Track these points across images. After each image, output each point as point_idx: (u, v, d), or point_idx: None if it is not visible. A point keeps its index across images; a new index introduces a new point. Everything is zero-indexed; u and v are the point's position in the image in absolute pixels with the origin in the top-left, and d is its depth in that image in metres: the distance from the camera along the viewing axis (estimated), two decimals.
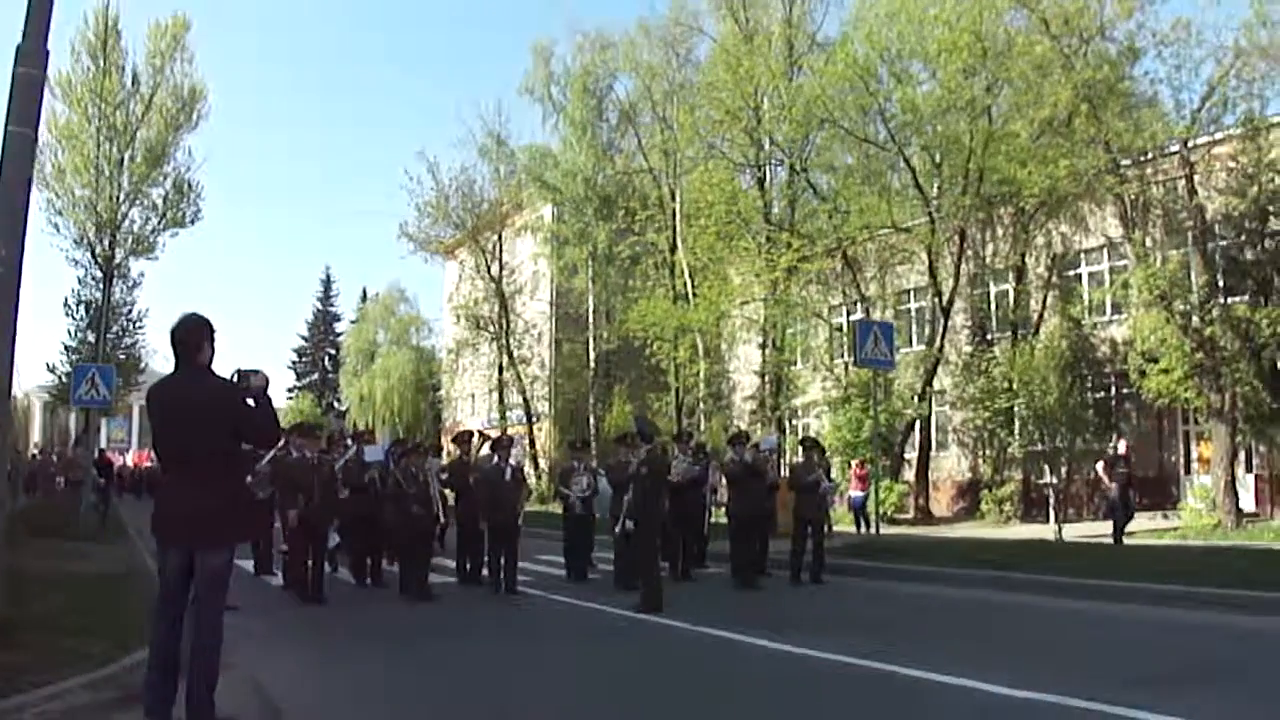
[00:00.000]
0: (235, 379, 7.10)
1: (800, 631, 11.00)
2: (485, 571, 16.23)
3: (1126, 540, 21.73)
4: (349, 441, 18.39)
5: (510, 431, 54.60)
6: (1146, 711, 6.90)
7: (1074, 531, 26.05)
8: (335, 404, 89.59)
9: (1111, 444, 27.19)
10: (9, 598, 10.29)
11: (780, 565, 17.57)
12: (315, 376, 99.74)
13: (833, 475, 26.58)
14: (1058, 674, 8.35)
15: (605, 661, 10.23)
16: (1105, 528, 27.26)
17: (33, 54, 9.67)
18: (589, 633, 12.18)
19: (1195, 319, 27.13)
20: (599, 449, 38.97)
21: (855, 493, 29.15)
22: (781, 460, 18.71)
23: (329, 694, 8.62)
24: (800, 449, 19.54)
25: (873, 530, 24.23)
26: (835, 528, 26.90)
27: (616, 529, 15.65)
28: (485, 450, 17.70)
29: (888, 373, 34.08)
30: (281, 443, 16.60)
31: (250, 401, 7.06)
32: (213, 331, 7.24)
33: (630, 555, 14.74)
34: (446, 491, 16.98)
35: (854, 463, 31.24)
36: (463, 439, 18.99)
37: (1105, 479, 22.83)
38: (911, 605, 14.33)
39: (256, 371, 7.22)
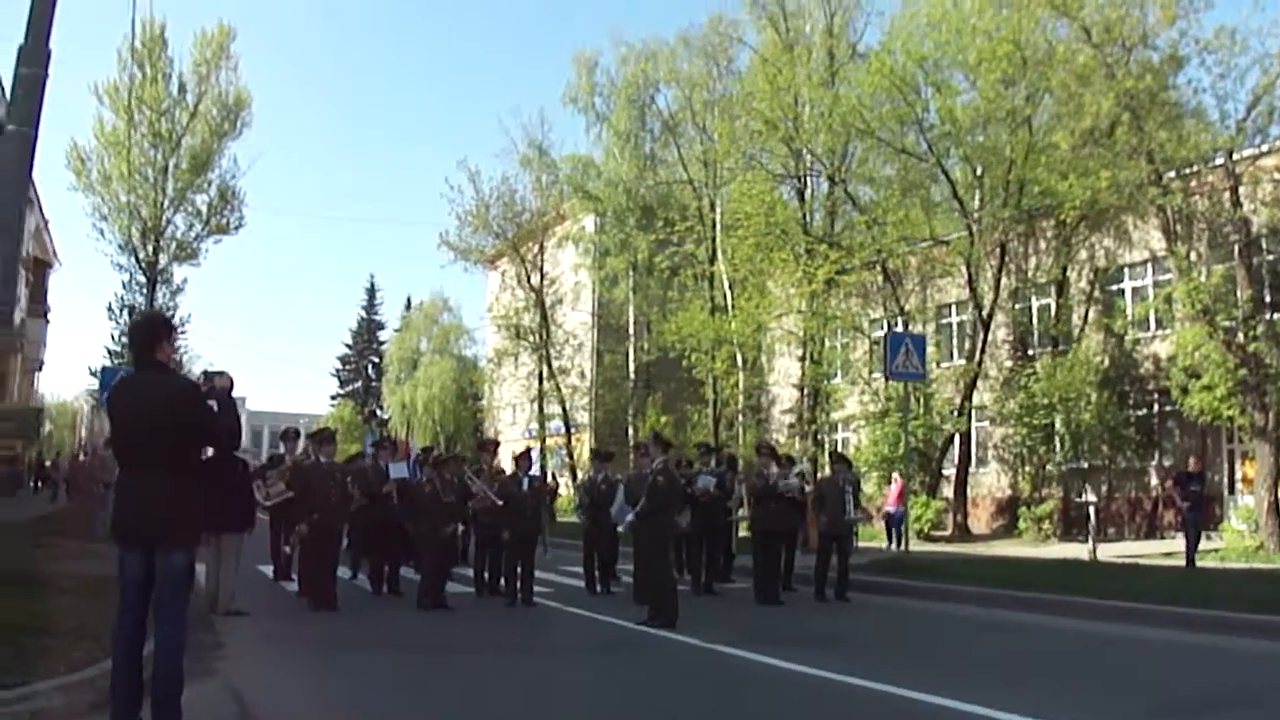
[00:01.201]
0: (201, 380, 7.00)
1: (811, 650, 10.78)
2: (503, 582, 16.02)
3: (1177, 560, 21.33)
4: (368, 450, 18.35)
5: (550, 442, 54.75)
6: None
7: (1113, 551, 25.58)
8: (377, 412, 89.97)
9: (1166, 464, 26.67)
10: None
11: (806, 581, 17.27)
12: (358, 384, 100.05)
13: (862, 489, 26.50)
14: (1078, 702, 8.09)
15: (609, 677, 10.04)
16: (1144, 548, 26.97)
17: (35, 53, 9.63)
18: (598, 647, 11.94)
19: (1239, 335, 26.60)
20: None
21: (891, 508, 28.70)
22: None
23: (314, 705, 8.40)
24: (829, 463, 19.23)
25: (903, 547, 23.84)
26: (864, 544, 26.70)
27: (619, 528, 15.68)
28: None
29: (926, 387, 33.82)
30: (301, 448, 16.65)
31: (213, 404, 6.96)
32: (171, 330, 7.29)
33: (647, 569, 14.50)
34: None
35: (894, 477, 30.87)
36: (487, 447, 18.95)
37: (1177, 498, 22.23)
38: (931, 625, 14.10)
39: (221, 373, 7.26)
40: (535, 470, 18.11)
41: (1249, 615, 12.19)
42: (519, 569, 15.46)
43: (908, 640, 12.69)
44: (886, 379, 28.42)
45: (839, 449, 38.32)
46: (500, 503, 15.58)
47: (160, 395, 6.71)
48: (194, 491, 6.86)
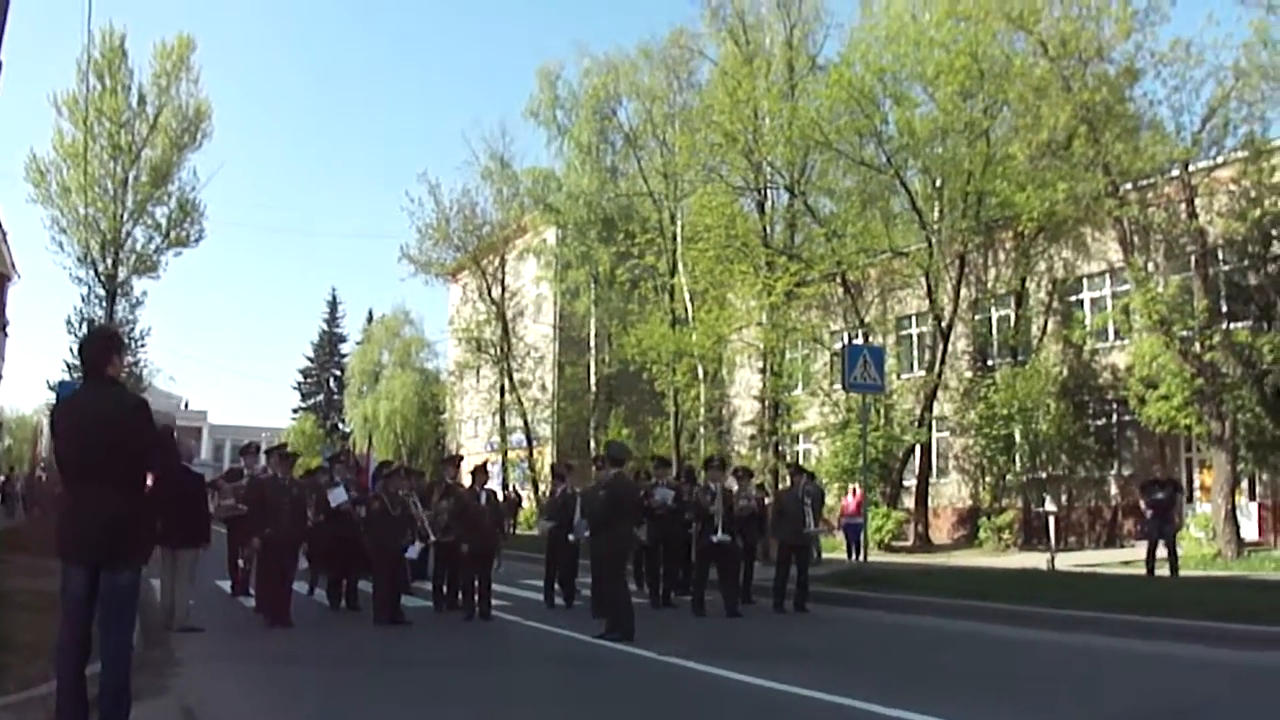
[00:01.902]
0: None
1: (767, 662, 10.80)
2: (461, 596, 15.94)
3: (1136, 569, 21.33)
4: (326, 465, 18.34)
5: (511, 455, 54.65)
6: None
7: (1073, 560, 25.67)
8: (339, 425, 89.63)
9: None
10: None
11: (765, 593, 17.31)
12: (320, 398, 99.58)
13: (824, 501, 26.58)
14: (1021, 711, 8.06)
15: (564, 690, 10.03)
16: (1104, 556, 27.12)
17: None
18: (553, 660, 11.92)
19: (1196, 345, 26.75)
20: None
21: (850, 519, 28.71)
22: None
23: None
24: (789, 473, 19.22)
25: (862, 558, 23.86)
26: (826, 554, 26.71)
27: (573, 539, 16.00)
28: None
29: (886, 398, 33.96)
30: (261, 464, 16.60)
31: None
32: (121, 346, 7.30)
33: (602, 582, 14.47)
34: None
35: (853, 489, 30.91)
36: (451, 462, 18.96)
37: (1143, 506, 22.09)
38: (887, 636, 14.12)
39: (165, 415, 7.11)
40: (494, 484, 18.02)
41: (1204, 622, 12.21)
42: (477, 582, 15.39)
43: (863, 651, 12.68)
44: (845, 390, 28.42)
45: (799, 460, 38.37)
46: (432, 539, 15.60)
47: (112, 410, 6.66)
48: (142, 509, 6.85)
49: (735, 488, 17.90)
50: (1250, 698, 9.17)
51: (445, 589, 16.65)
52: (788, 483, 18.42)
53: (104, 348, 6.97)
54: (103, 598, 6.49)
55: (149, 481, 8.85)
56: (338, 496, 16.38)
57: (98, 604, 6.52)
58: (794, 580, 16.83)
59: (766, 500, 18.75)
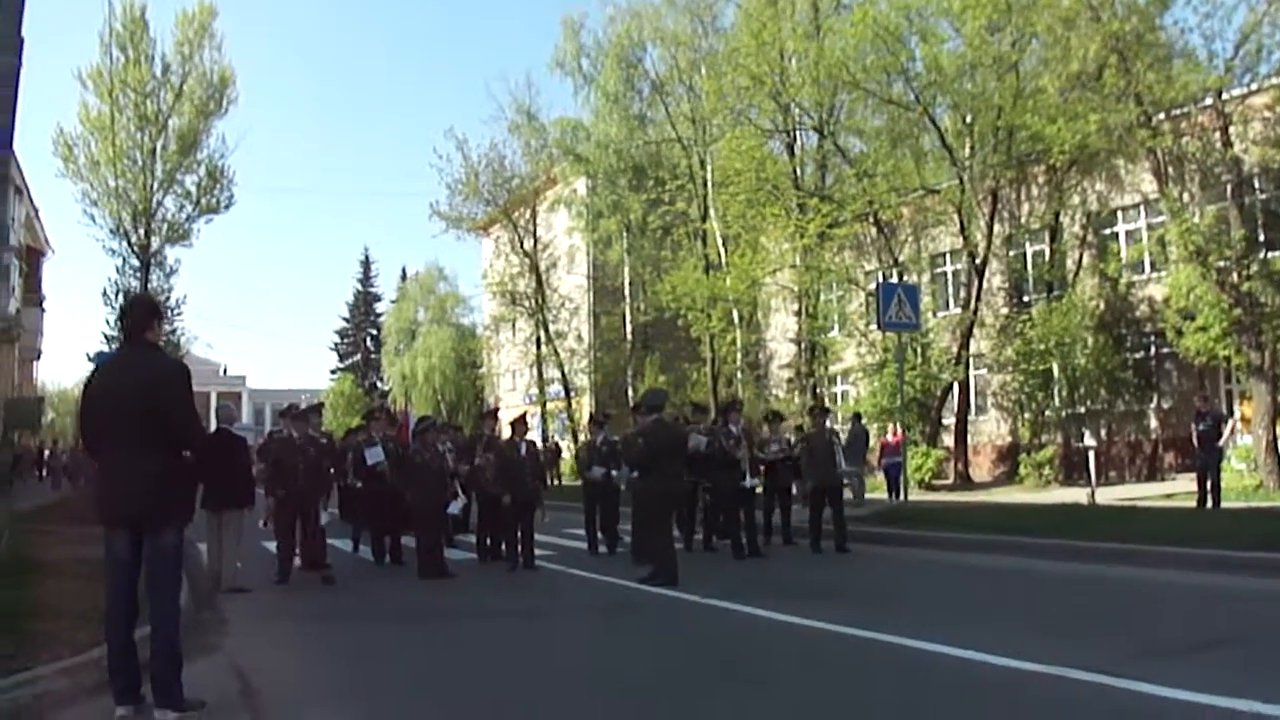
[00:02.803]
0: None
1: (805, 601, 10.91)
2: (504, 548, 16.07)
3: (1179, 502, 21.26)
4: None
5: (550, 406, 54.79)
6: (1147, 684, 6.62)
7: (1114, 495, 25.57)
8: (378, 384, 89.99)
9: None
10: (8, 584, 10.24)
11: (802, 534, 17.50)
12: (358, 357, 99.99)
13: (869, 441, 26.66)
14: (1065, 644, 8.09)
15: (609, 636, 10.13)
16: (1145, 490, 27.02)
17: (6, 41, 9.60)
18: (598, 608, 11.98)
19: (1233, 275, 26.57)
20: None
21: (889, 459, 28.67)
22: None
23: (316, 678, 8.40)
24: (809, 416, 19.23)
25: (902, 497, 23.88)
26: (870, 495, 26.76)
27: (622, 486, 16.04)
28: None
29: (923, 336, 33.91)
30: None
31: None
32: (160, 313, 7.40)
33: (644, 528, 14.57)
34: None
35: (891, 428, 30.92)
36: (489, 416, 19.11)
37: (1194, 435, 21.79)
38: (927, 573, 14.18)
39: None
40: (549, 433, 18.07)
41: (1245, 553, 12.21)
42: (519, 533, 15.53)
43: (900, 589, 12.77)
44: (881, 330, 28.40)
45: (830, 402, 38.56)
46: (461, 499, 15.85)
47: (155, 373, 6.74)
48: (181, 469, 6.85)
49: (766, 432, 18.05)
50: None
51: (490, 540, 16.84)
52: (813, 425, 18.32)
53: (145, 313, 7.05)
54: (147, 560, 6.58)
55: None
56: (374, 455, 16.54)
57: (143, 567, 6.62)
58: (830, 521, 16.93)
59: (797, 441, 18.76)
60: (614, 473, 17.27)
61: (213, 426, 12.41)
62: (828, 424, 18.27)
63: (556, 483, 33.92)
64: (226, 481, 13.12)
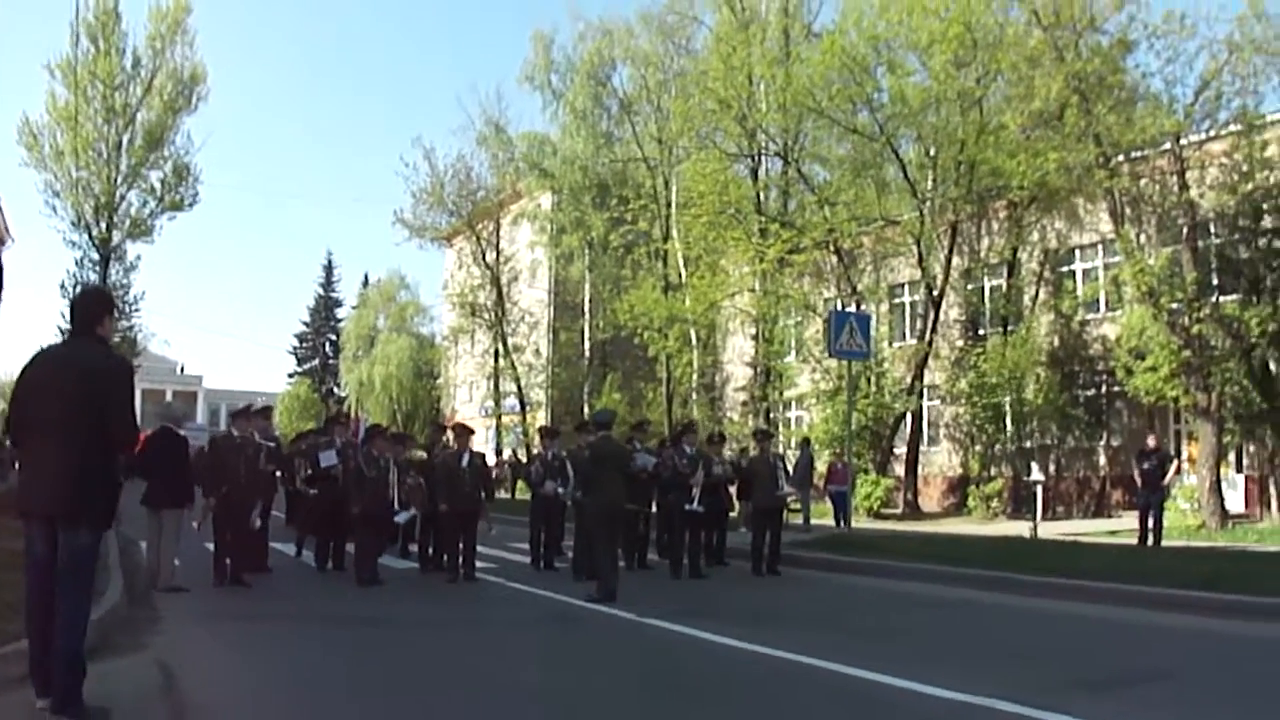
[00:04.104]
0: None
1: (742, 624, 10.87)
2: (445, 558, 16.06)
3: (1121, 539, 21.45)
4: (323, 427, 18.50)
5: (505, 420, 54.75)
6: (1070, 716, 6.70)
7: (1059, 529, 25.78)
8: (335, 390, 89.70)
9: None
10: None
11: (739, 555, 17.68)
12: (316, 362, 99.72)
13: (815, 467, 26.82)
14: (996, 675, 8.14)
15: (538, 650, 10.11)
16: (1090, 526, 27.27)
17: None
18: (531, 620, 12.02)
19: (1184, 317, 26.86)
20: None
21: (835, 486, 28.73)
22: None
23: (243, 679, 8.37)
24: (752, 439, 19.34)
25: (846, 525, 23.99)
26: (816, 521, 26.84)
27: (568, 502, 16.14)
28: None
29: (877, 366, 34.19)
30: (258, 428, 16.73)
31: None
32: (113, 307, 7.24)
33: (587, 544, 14.62)
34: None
35: (839, 455, 31.05)
36: (438, 430, 19.11)
37: (1136, 476, 21.99)
38: (864, 600, 14.22)
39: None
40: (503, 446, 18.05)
41: (1180, 591, 12.33)
42: (461, 544, 15.51)
43: (835, 614, 12.78)
44: (831, 356, 28.59)
45: (784, 427, 38.79)
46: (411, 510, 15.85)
47: (98, 367, 6.57)
48: (107, 470, 6.60)
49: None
50: (1220, 663, 9.29)
51: (431, 550, 16.83)
52: (755, 448, 18.44)
53: (96, 306, 6.91)
54: (59, 558, 6.38)
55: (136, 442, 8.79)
56: (328, 459, 16.49)
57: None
58: (768, 544, 17.03)
59: (743, 463, 18.88)
60: (560, 490, 17.27)
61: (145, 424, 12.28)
62: (770, 448, 18.32)
63: (512, 496, 33.73)
64: (167, 480, 13.09)
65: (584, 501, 14.28)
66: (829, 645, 9.38)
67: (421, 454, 17.79)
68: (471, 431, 17.15)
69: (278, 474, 17.39)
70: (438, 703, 7.47)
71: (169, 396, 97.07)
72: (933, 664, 8.53)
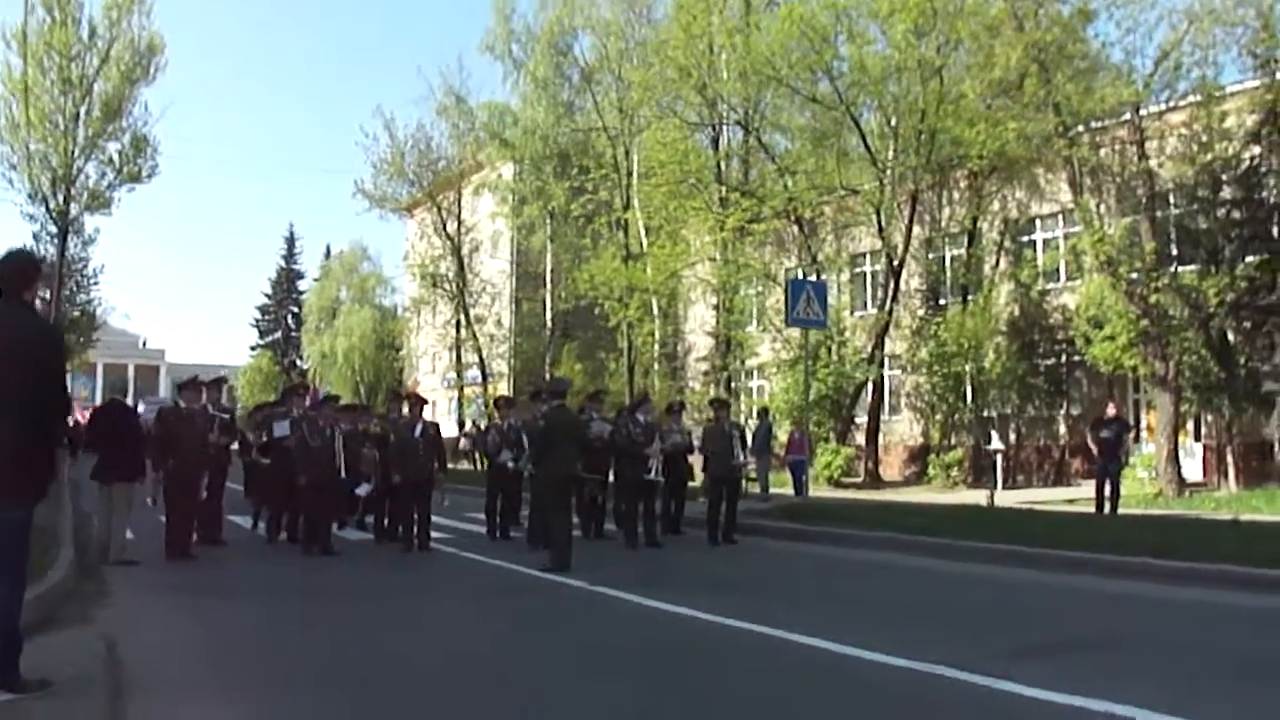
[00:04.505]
0: None
1: (690, 592, 10.87)
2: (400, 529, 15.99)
3: (1080, 507, 21.56)
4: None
5: (468, 391, 54.64)
6: (1009, 682, 6.65)
7: (1018, 498, 25.82)
8: (297, 362, 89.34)
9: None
10: None
11: (696, 525, 17.61)
12: (278, 334, 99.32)
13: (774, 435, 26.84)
14: (941, 641, 8.13)
15: (480, 619, 10.09)
16: (1050, 494, 27.39)
17: None
18: (481, 589, 12.05)
19: (1143, 287, 26.94)
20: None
21: (793, 455, 28.68)
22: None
23: (187, 651, 8.28)
24: (712, 408, 19.18)
25: (804, 493, 23.95)
26: (775, 490, 26.84)
27: (525, 472, 16.08)
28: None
29: (839, 335, 34.22)
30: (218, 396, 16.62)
31: None
32: (41, 272, 7.01)
33: (541, 513, 14.59)
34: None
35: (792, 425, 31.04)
36: (398, 397, 19.05)
37: (1090, 444, 21.99)
38: (814, 568, 14.30)
39: None
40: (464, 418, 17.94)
41: (1133, 558, 12.34)
42: (414, 514, 15.43)
43: (788, 583, 12.84)
44: (787, 325, 28.58)
45: (746, 396, 38.82)
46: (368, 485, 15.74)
47: (28, 331, 6.42)
48: (40, 441, 6.37)
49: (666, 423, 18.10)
50: (1164, 630, 9.30)
51: (386, 522, 16.76)
52: (712, 418, 18.36)
53: (25, 269, 6.68)
54: None
55: (82, 417, 8.62)
56: (281, 429, 16.37)
57: None
58: (724, 513, 17.02)
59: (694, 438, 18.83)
60: (513, 462, 17.17)
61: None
62: (727, 417, 18.26)
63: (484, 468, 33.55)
64: (117, 454, 13.00)
65: (538, 471, 14.18)
66: (774, 612, 9.35)
67: (377, 427, 17.61)
68: (424, 401, 17.11)
69: (235, 446, 17.32)
70: (373, 672, 7.37)
71: (131, 371, 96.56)
72: (878, 630, 8.51)
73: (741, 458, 17.89)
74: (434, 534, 15.82)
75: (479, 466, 32.03)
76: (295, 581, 12.44)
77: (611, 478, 17.38)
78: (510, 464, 17.11)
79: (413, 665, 7.62)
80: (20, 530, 6.34)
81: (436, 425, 17.03)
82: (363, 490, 16.14)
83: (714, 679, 7.29)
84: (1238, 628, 9.44)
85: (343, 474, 15.34)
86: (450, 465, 20.20)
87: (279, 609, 10.47)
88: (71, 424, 11.12)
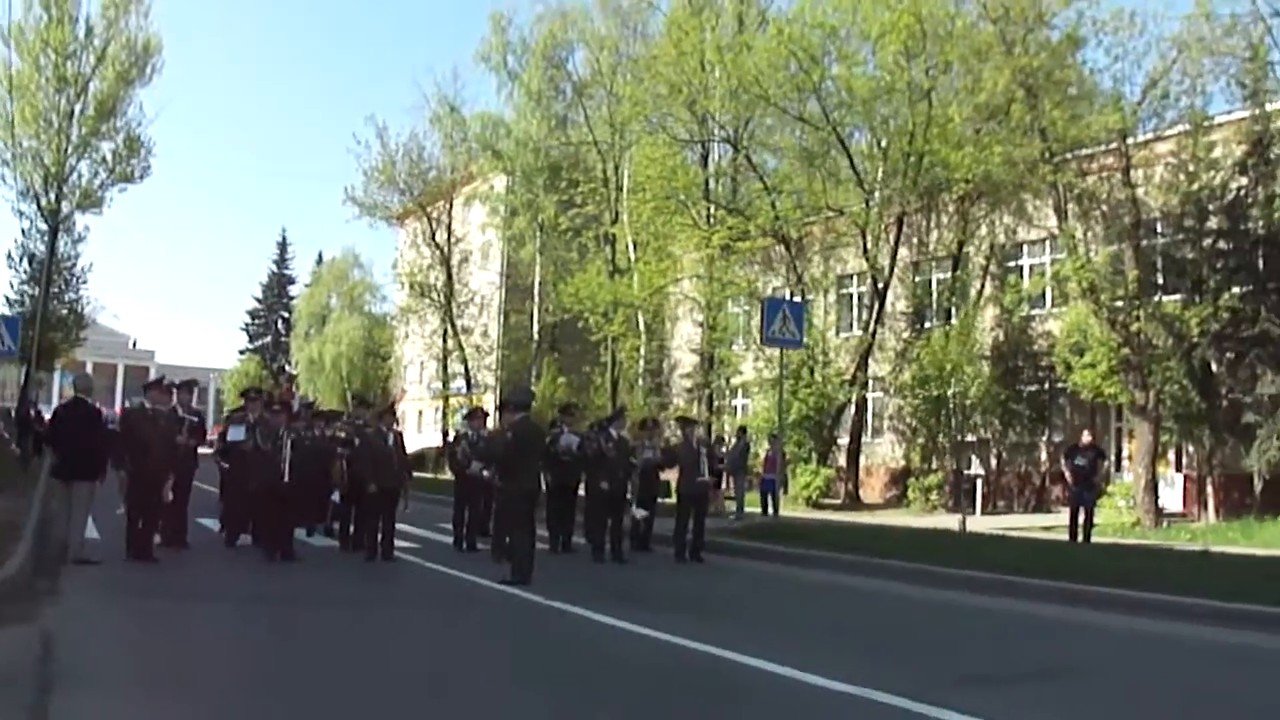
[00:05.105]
0: None
1: (648, 610, 10.82)
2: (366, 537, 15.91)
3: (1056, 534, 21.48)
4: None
5: (454, 401, 54.55)
6: (945, 709, 6.58)
7: (995, 524, 25.81)
8: (285, 367, 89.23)
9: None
10: None
11: (664, 542, 17.55)
12: (268, 339, 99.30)
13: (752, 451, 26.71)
14: (888, 668, 8.09)
15: (430, 631, 10.02)
16: (1027, 521, 27.34)
17: None
18: (437, 601, 12.01)
19: (1124, 315, 26.91)
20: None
21: (765, 474, 28.48)
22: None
23: (125, 652, 8.23)
24: (679, 426, 19.09)
25: (774, 513, 23.85)
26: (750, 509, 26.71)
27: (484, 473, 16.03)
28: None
29: (821, 355, 34.17)
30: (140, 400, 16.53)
31: None
32: None
33: (504, 526, 14.54)
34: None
35: (766, 444, 30.93)
36: (362, 405, 18.98)
37: (1065, 472, 21.92)
38: (776, 588, 14.29)
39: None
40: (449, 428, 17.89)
41: (1097, 588, 12.28)
42: (380, 523, 15.34)
43: (749, 603, 12.83)
44: (762, 344, 28.56)
45: (729, 415, 38.73)
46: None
47: None
48: None
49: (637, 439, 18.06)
50: (1118, 661, 9.22)
51: (353, 529, 16.68)
52: (680, 435, 18.30)
53: None
54: None
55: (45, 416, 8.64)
56: (236, 433, 16.31)
57: None
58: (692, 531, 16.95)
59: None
60: (485, 471, 17.12)
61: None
62: (694, 434, 18.19)
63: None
64: (78, 452, 12.91)
65: (503, 484, 14.11)
66: (726, 633, 9.29)
67: (343, 432, 17.52)
68: (393, 410, 17.04)
69: (208, 449, 17.33)
70: (307, 679, 7.35)
71: (120, 371, 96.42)
72: (825, 654, 8.50)
73: (707, 475, 17.81)
74: (402, 543, 15.83)
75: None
76: (248, 587, 12.38)
77: (582, 490, 17.35)
78: (484, 473, 17.05)
79: (348, 673, 7.60)
80: None
81: (401, 434, 17.00)
82: (335, 496, 16.07)
83: (646, 694, 7.29)
84: (1193, 661, 9.39)
85: (286, 477, 15.23)
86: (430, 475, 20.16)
87: (224, 613, 10.41)
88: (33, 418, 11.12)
